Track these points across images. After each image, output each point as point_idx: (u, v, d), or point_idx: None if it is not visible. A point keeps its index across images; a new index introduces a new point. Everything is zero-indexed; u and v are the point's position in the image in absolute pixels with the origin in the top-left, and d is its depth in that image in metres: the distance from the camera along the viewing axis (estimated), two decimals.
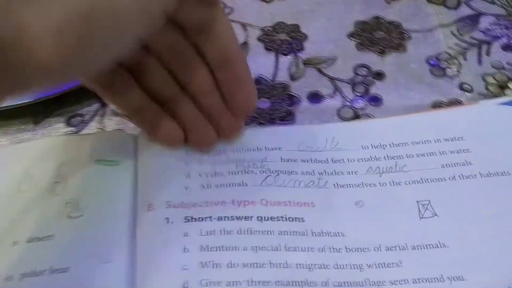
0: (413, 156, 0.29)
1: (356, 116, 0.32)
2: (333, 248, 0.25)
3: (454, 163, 0.28)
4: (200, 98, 0.27)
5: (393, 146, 0.29)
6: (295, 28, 0.36)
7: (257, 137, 0.29)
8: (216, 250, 0.24)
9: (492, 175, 0.28)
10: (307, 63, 0.34)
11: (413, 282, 0.24)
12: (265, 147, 0.29)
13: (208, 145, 0.28)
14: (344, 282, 0.24)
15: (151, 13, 0.22)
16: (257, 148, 0.28)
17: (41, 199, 0.26)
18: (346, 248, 0.25)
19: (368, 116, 0.32)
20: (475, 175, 0.28)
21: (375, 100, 0.32)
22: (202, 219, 0.25)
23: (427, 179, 0.28)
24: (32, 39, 0.19)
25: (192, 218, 0.25)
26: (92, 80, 0.26)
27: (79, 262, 0.24)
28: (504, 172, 0.28)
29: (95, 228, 0.25)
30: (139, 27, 0.22)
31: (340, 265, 0.24)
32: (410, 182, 0.28)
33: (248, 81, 0.27)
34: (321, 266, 0.24)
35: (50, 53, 0.19)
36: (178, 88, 0.27)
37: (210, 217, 0.25)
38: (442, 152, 0.29)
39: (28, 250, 0.24)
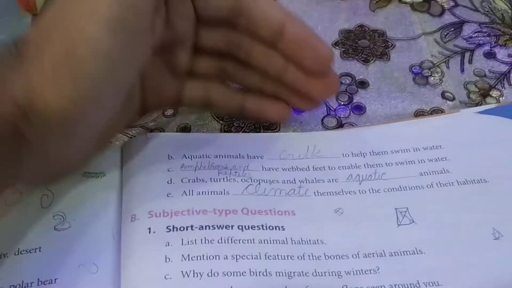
0: (392, 164, 0.29)
1: (340, 125, 0.32)
2: (313, 256, 0.25)
3: (432, 171, 0.29)
4: (281, 77, 0.28)
5: (373, 155, 0.30)
6: None
7: (240, 144, 0.30)
8: (198, 259, 0.25)
9: (469, 182, 0.28)
10: None
11: None
12: (247, 155, 0.29)
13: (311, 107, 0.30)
14: None
15: (140, 50, 0.25)
16: (239, 155, 0.29)
17: (28, 212, 0.26)
18: (325, 255, 0.26)
19: (351, 124, 0.32)
20: (452, 182, 0.28)
21: (359, 109, 0.33)
22: (184, 229, 0.26)
23: (405, 187, 0.28)
24: (43, 98, 0.22)
25: (174, 228, 0.26)
26: (193, 102, 0.30)
27: (66, 273, 0.24)
28: (481, 179, 0.28)
29: (82, 240, 0.25)
30: (135, 67, 0.25)
31: (319, 272, 0.25)
32: (389, 189, 0.28)
33: (310, 38, 0.27)
34: (300, 273, 0.25)
35: (54, 99, 0.22)
36: (262, 75, 0.29)
37: (192, 226, 0.26)
38: (421, 160, 0.29)
39: (16, 263, 0.25)
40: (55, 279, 0.24)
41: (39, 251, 0.25)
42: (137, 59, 0.25)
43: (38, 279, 0.24)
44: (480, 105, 0.33)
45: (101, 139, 0.27)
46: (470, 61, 0.35)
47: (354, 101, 0.33)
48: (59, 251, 0.25)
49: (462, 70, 0.35)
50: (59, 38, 0.23)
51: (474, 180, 0.28)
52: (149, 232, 0.25)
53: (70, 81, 0.22)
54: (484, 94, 0.34)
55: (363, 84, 0.34)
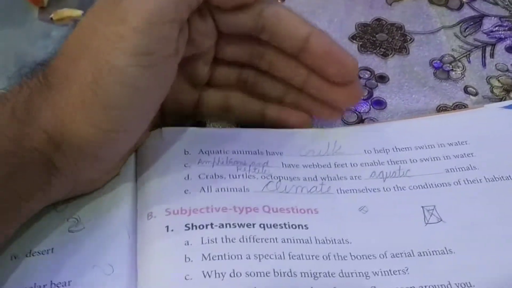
0: (416, 160, 0.28)
1: (361, 120, 0.31)
2: (338, 256, 0.24)
3: (458, 168, 0.28)
4: (304, 87, 0.28)
5: (396, 151, 0.29)
6: None
7: (258, 140, 0.28)
8: (219, 259, 0.23)
9: (497, 179, 0.27)
10: None
11: None
12: (266, 151, 0.28)
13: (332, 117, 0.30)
14: None
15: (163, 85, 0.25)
16: (258, 152, 0.28)
17: (41, 214, 0.25)
18: (351, 255, 0.24)
19: (372, 120, 0.31)
20: (480, 179, 0.27)
21: (379, 104, 0.32)
22: (203, 227, 0.24)
23: (431, 184, 0.27)
24: (73, 128, 0.23)
25: (193, 226, 0.24)
26: (212, 110, 0.30)
27: (80, 275, 0.23)
28: (509, 176, 0.27)
29: (96, 241, 0.24)
30: (162, 93, 0.25)
31: (346, 273, 0.24)
32: (415, 187, 0.27)
33: (334, 50, 0.27)
34: (326, 274, 0.24)
35: (84, 128, 0.23)
36: (284, 85, 0.29)
37: (212, 224, 0.25)
38: (446, 156, 0.28)
39: (28, 264, 0.24)
40: (69, 281, 0.23)
41: (52, 252, 0.24)
42: (163, 85, 0.25)
43: (51, 281, 0.23)
44: (504, 100, 0.32)
45: (125, 156, 0.27)
46: (492, 56, 0.34)
47: (374, 96, 0.32)
48: (72, 252, 0.24)
49: (484, 65, 0.34)
50: (86, 67, 0.23)
51: (502, 177, 0.27)
52: (167, 230, 0.24)
53: (99, 110, 0.23)
54: (508, 89, 0.33)
55: (382, 79, 0.33)
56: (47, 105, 0.23)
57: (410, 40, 0.35)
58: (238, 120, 0.30)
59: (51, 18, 0.36)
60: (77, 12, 0.37)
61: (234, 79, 0.29)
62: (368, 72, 0.34)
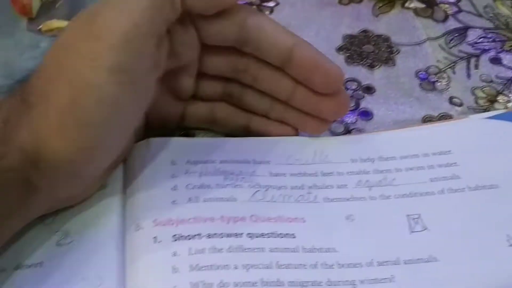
0: (401, 170, 0.29)
1: (348, 131, 0.32)
2: (326, 264, 0.25)
3: (442, 177, 0.28)
4: (289, 100, 0.28)
5: (382, 160, 0.29)
6: None
7: (245, 149, 0.29)
8: (207, 269, 0.23)
9: (480, 188, 0.28)
10: None
11: None
12: (254, 160, 0.28)
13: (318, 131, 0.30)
14: None
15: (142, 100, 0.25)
16: (245, 160, 0.28)
17: (29, 228, 0.25)
18: (338, 263, 0.25)
19: (359, 130, 0.32)
20: (463, 188, 0.28)
21: (366, 115, 0.32)
22: (191, 237, 0.25)
23: (416, 193, 0.28)
24: (51, 148, 0.23)
25: (180, 236, 0.25)
26: (197, 122, 0.30)
27: (69, 287, 0.23)
28: (492, 185, 0.28)
29: (85, 253, 0.24)
30: (141, 108, 0.25)
31: (332, 282, 0.24)
32: (400, 195, 0.28)
33: (319, 60, 0.27)
34: (313, 283, 0.24)
35: (62, 147, 0.23)
36: (269, 98, 0.29)
37: (199, 234, 0.25)
38: (430, 166, 0.29)
39: (16, 278, 0.24)
40: None
41: (40, 266, 0.24)
42: (142, 100, 0.25)
43: None
44: (488, 110, 0.32)
45: (108, 170, 0.26)
46: (476, 67, 0.35)
47: (361, 106, 0.33)
48: (61, 265, 0.24)
49: (469, 76, 0.35)
50: (63, 86, 0.23)
51: (485, 185, 0.28)
52: (155, 242, 0.24)
53: (76, 130, 0.23)
54: (492, 100, 0.33)
55: (369, 90, 0.34)
56: (25, 124, 0.23)
57: (396, 51, 0.36)
58: (223, 131, 0.30)
59: (40, 29, 0.36)
60: (66, 23, 0.37)
61: (219, 92, 0.29)
62: (355, 83, 0.34)
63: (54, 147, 0.23)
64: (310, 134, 0.30)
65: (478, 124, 0.31)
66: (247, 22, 0.26)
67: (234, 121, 0.30)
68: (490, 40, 0.36)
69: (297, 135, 0.30)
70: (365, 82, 0.34)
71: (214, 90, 0.29)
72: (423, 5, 0.38)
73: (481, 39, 0.37)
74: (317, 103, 0.28)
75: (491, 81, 0.34)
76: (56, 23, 0.37)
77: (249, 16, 0.26)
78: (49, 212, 0.25)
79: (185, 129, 0.31)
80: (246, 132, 0.30)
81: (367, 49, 0.36)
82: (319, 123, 0.29)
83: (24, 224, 0.24)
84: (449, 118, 0.32)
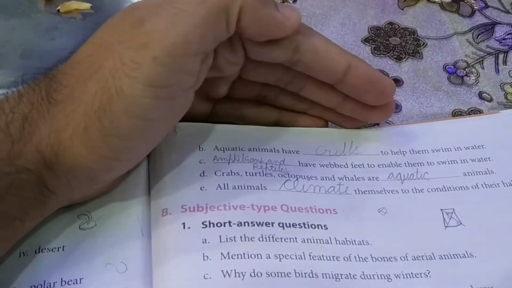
0: (434, 163, 0.28)
1: (376, 123, 0.31)
2: (359, 257, 0.24)
3: (476, 172, 0.28)
4: (336, 109, 0.27)
5: (413, 153, 0.28)
6: None
7: (274, 138, 0.28)
8: (238, 258, 0.22)
9: None
10: None
11: None
12: (282, 149, 0.27)
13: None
14: None
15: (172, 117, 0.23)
16: (274, 150, 0.27)
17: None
18: (372, 257, 0.24)
19: (387, 123, 0.31)
20: (498, 183, 0.27)
21: (395, 107, 0.31)
22: (221, 225, 0.24)
23: (449, 187, 0.27)
24: (72, 152, 0.21)
25: (210, 224, 0.24)
26: (225, 119, 0.28)
27: (93, 273, 0.22)
28: None
29: (108, 238, 0.23)
30: (173, 123, 0.24)
31: (367, 275, 0.23)
32: (433, 189, 0.27)
33: (374, 78, 0.26)
34: (347, 276, 0.23)
35: (84, 153, 0.21)
36: (308, 103, 0.28)
37: (230, 222, 0.24)
38: (463, 160, 0.28)
39: (37, 261, 0.23)
40: (80, 279, 0.22)
41: (62, 250, 0.23)
42: (177, 115, 0.24)
43: (62, 278, 0.22)
44: None
45: (125, 175, 0.25)
46: (505, 63, 0.34)
47: None
48: (84, 250, 0.23)
49: (497, 71, 0.34)
50: (94, 90, 0.21)
51: None
52: (184, 228, 0.23)
53: (101, 138, 0.21)
54: None
55: (397, 82, 0.33)
56: (46, 122, 0.21)
57: (423, 44, 0.35)
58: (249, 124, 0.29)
59: (58, 10, 0.35)
60: (85, 5, 0.36)
61: (253, 95, 0.28)
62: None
63: (74, 152, 0.21)
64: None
65: (509, 120, 0.30)
66: (301, 45, 0.24)
67: (263, 118, 0.28)
68: None
69: (327, 126, 0.29)
70: (392, 74, 0.33)
71: (249, 93, 0.28)
72: (449, 0, 0.38)
73: (509, 35, 0.36)
74: (365, 112, 0.27)
75: None
76: (75, 5, 0.36)
77: (303, 38, 0.24)
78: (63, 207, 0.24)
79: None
80: (275, 125, 0.29)
81: (393, 41, 0.35)
82: (360, 122, 0.28)
83: (36, 224, 0.23)
84: (479, 113, 0.31)
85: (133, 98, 0.21)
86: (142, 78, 0.21)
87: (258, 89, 0.28)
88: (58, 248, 0.23)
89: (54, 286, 0.22)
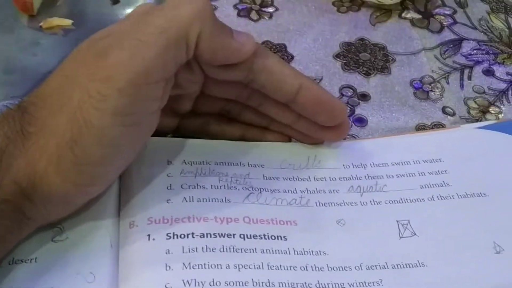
0: (393, 176, 0.29)
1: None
2: (316, 267, 0.25)
3: (432, 184, 0.29)
4: (292, 126, 0.29)
5: (374, 166, 0.30)
6: (282, 47, 0.37)
7: (240, 152, 0.29)
8: (199, 268, 0.24)
9: (469, 196, 0.28)
10: None
11: None
12: (248, 163, 0.29)
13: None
14: None
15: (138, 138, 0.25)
16: (240, 163, 0.29)
17: None
18: (328, 266, 0.25)
19: (353, 136, 0.32)
20: (452, 195, 0.28)
21: (360, 121, 0.33)
22: (185, 236, 0.25)
23: (406, 199, 0.28)
24: (46, 182, 0.22)
25: (174, 235, 0.25)
26: (191, 133, 0.29)
27: (63, 283, 0.24)
28: (480, 193, 0.28)
29: (79, 250, 0.25)
30: (141, 144, 0.25)
31: (322, 284, 0.24)
32: (390, 201, 0.28)
33: (324, 99, 0.27)
34: (303, 285, 0.24)
35: (59, 182, 0.23)
36: (268, 119, 0.29)
37: (193, 233, 0.25)
38: (421, 173, 0.29)
39: (10, 272, 0.24)
40: None
41: (35, 261, 0.24)
42: (145, 136, 0.25)
43: None
44: (480, 121, 0.33)
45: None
46: (470, 78, 0.36)
47: (356, 113, 0.33)
48: (56, 261, 0.24)
49: (462, 86, 0.35)
50: (64, 122, 0.22)
51: (474, 193, 0.28)
52: (149, 239, 0.25)
53: (74, 167, 0.22)
54: (484, 111, 0.34)
55: (364, 97, 0.34)
56: (22, 155, 0.22)
57: (392, 60, 0.37)
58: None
59: (41, 26, 0.37)
60: (67, 21, 0.37)
61: (217, 110, 0.29)
62: (351, 90, 0.35)
63: (49, 181, 0.22)
64: None
65: (469, 134, 0.31)
66: (254, 65, 0.26)
67: (229, 133, 0.30)
68: (484, 52, 0.37)
69: (290, 141, 0.30)
70: (360, 89, 0.35)
71: (212, 108, 0.29)
72: (419, 16, 0.39)
73: (475, 51, 0.37)
74: (319, 131, 0.28)
75: (484, 92, 0.35)
76: (57, 21, 0.37)
77: (256, 59, 0.26)
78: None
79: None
80: (240, 140, 0.30)
81: (363, 57, 0.37)
82: (317, 140, 0.30)
83: (11, 247, 0.24)
84: (442, 127, 0.33)
85: (101, 129, 0.22)
86: (109, 109, 0.22)
87: (221, 104, 0.29)
88: (31, 259, 0.25)
89: None
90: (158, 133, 0.28)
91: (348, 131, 0.30)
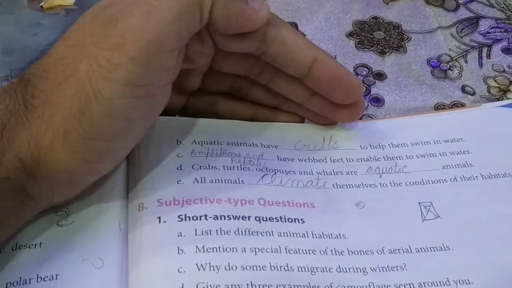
0: (412, 157, 0.28)
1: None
2: (336, 251, 0.24)
3: (454, 165, 0.28)
4: (304, 104, 0.27)
5: (392, 147, 0.28)
6: (293, 26, 0.35)
7: (253, 132, 0.28)
8: (213, 251, 0.23)
9: (493, 176, 0.27)
10: None
11: (419, 286, 0.23)
12: (261, 144, 0.27)
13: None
14: (348, 286, 0.23)
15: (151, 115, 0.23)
16: (253, 144, 0.27)
17: None
18: (348, 250, 0.24)
19: (369, 116, 0.31)
20: (476, 176, 0.27)
21: (377, 101, 0.32)
22: (197, 218, 0.24)
23: (428, 180, 0.27)
24: (52, 158, 0.21)
25: (186, 217, 0.24)
26: (199, 113, 0.28)
27: (69, 269, 0.22)
28: (505, 174, 0.27)
29: (86, 234, 0.23)
30: (152, 120, 0.24)
31: (343, 269, 0.23)
32: (411, 183, 0.27)
33: (340, 74, 0.26)
34: (323, 269, 0.23)
35: (65, 158, 0.21)
36: (280, 97, 0.27)
37: (206, 215, 0.24)
38: (442, 153, 0.28)
39: (14, 258, 0.23)
40: (56, 275, 0.22)
41: (40, 246, 0.23)
42: (156, 112, 0.24)
43: (38, 275, 0.22)
44: (501, 100, 0.32)
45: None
46: (488, 56, 0.34)
47: (372, 92, 0.32)
48: (61, 246, 0.23)
49: (481, 65, 0.34)
50: (72, 94, 0.21)
51: (498, 174, 0.27)
52: (159, 222, 0.23)
53: (82, 142, 0.21)
54: (505, 89, 0.33)
55: (380, 76, 0.33)
56: (25, 129, 0.21)
57: (407, 39, 0.35)
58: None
59: (41, 7, 0.35)
60: (68, 1, 0.36)
61: (226, 88, 0.28)
62: (366, 69, 0.33)
63: (55, 157, 0.21)
64: None
65: (491, 113, 0.30)
66: (267, 36, 0.24)
67: (238, 113, 0.28)
68: (502, 30, 0.36)
69: (303, 121, 0.29)
70: (376, 68, 0.33)
71: (222, 86, 0.28)
72: None
73: (493, 29, 0.36)
74: (333, 110, 0.27)
75: (504, 71, 0.34)
76: (58, 1, 0.36)
77: (269, 29, 0.24)
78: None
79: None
80: (250, 120, 0.29)
81: (378, 35, 0.35)
82: (331, 120, 0.28)
83: (17, 229, 0.23)
84: (462, 107, 0.31)
85: (112, 100, 0.21)
86: (120, 79, 0.21)
87: (230, 81, 0.28)
88: (35, 245, 0.23)
89: (30, 283, 0.22)
90: (165, 112, 0.27)
91: (363, 111, 0.28)
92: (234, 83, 0.28)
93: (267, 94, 0.28)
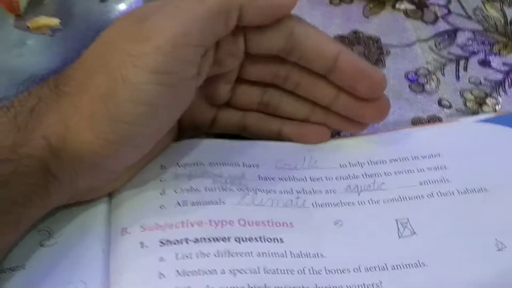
0: (391, 173, 0.29)
1: (337, 133, 0.31)
2: (313, 270, 0.24)
3: (431, 180, 0.28)
4: (330, 106, 0.28)
5: (371, 164, 0.29)
6: None
7: (235, 152, 0.28)
8: (193, 274, 0.23)
9: (469, 192, 0.28)
10: None
11: None
12: (243, 163, 0.28)
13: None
14: None
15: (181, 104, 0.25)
16: (235, 164, 0.28)
17: None
18: (326, 269, 0.25)
19: (348, 133, 0.31)
20: (452, 192, 0.28)
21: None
22: (178, 242, 0.24)
23: (405, 197, 0.28)
24: (78, 137, 0.23)
25: (167, 242, 0.24)
26: (228, 128, 0.29)
27: None
28: (481, 188, 0.28)
29: (69, 256, 0.24)
30: (177, 112, 0.25)
31: (320, 287, 0.24)
32: (389, 200, 0.28)
33: (363, 67, 0.27)
34: None
35: (90, 138, 0.23)
36: (309, 104, 0.28)
37: (187, 239, 0.24)
38: (420, 169, 0.29)
39: None
40: None
41: (23, 268, 0.24)
42: (180, 105, 0.25)
43: None
44: (476, 113, 0.33)
45: (135, 168, 0.26)
46: (465, 69, 0.35)
47: None
48: (45, 268, 0.24)
49: (458, 78, 0.35)
50: (101, 78, 0.23)
51: (474, 189, 0.28)
52: (141, 247, 0.24)
53: (107, 123, 0.22)
54: (480, 102, 0.33)
55: None
56: (53, 111, 0.23)
57: (386, 53, 0.36)
58: (252, 136, 0.30)
59: (28, 26, 0.36)
60: (54, 21, 0.36)
61: (256, 102, 0.29)
62: None
63: (81, 137, 0.22)
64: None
65: (468, 128, 0.31)
66: (294, 31, 0.26)
67: (266, 128, 0.29)
68: (479, 42, 0.36)
69: (328, 139, 0.30)
70: None
71: (250, 99, 0.29)
72: (413, 7, 0.38)
73: (470, 41, 0.37)
74: (359, 108, 0.28)
75: (480, 84, 0.34)
76: (44, 20, 0.36)
77: (296, 25, 0.26)
78: (69, 203, 0.25)
79: (214, 135, 0.30)
80: (277, 137, 0.29)
81: (357, 49, 0.36)
82: (359, 125, 0.29)
83: (43, 213, 0.24)
84: (438, 120, 0.32)
85: (137, 85, 0.22)
86: (147, 66, 0.22)
87: (259, 93, 0.29)
88: (19, 266, 0.24)
89: None
90: (194, 124, 0.28)
91: (390, 108, 0.29)
92: (263, 96, 0.29)
93: (295, 104, 0.29)
